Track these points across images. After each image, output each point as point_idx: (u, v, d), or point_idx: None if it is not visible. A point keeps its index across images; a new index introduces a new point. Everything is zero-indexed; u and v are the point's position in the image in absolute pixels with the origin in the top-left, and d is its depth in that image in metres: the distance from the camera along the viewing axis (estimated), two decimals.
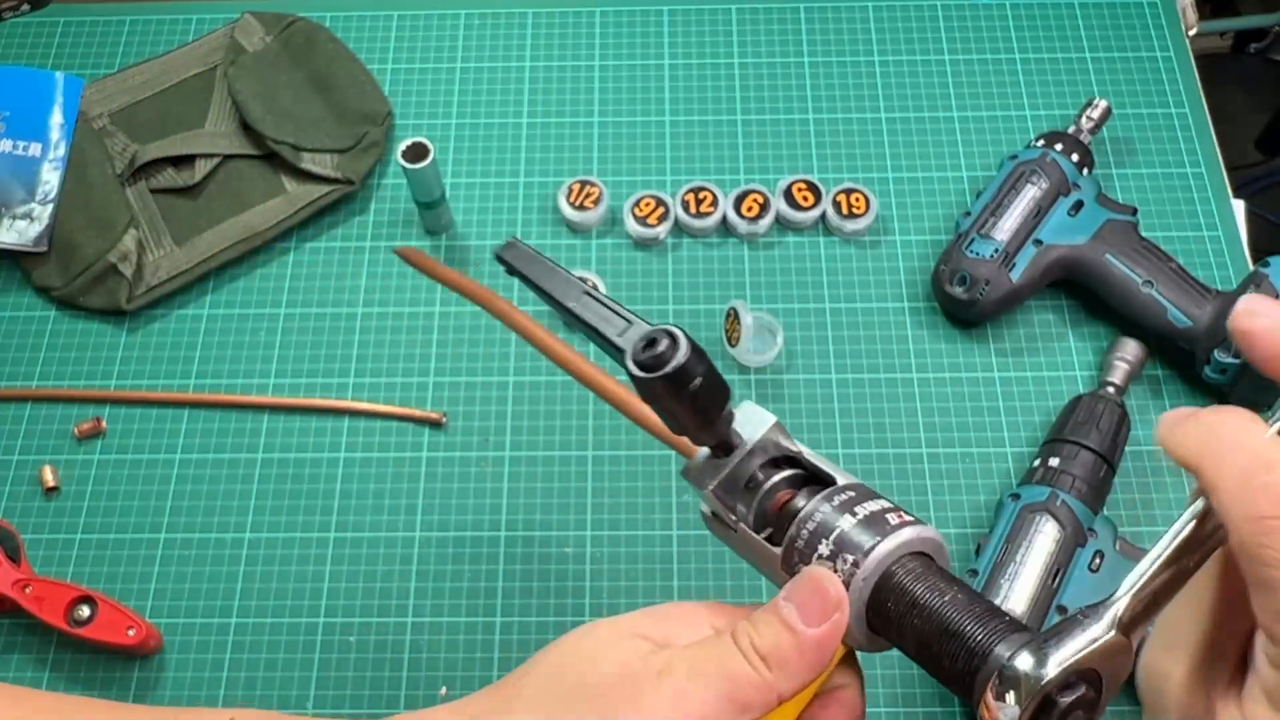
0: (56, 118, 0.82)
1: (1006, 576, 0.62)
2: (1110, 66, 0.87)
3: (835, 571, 0.33)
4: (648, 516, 0.70)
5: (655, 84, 0.87)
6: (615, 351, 0.36)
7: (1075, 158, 0.76)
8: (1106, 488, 0.67)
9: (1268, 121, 1.37)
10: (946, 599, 0.32)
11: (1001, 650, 0.30)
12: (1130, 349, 0.72)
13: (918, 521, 0.34)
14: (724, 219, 0.80)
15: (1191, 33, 0.89)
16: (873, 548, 0.33)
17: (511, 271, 0.42)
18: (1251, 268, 0.75)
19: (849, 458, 0.72)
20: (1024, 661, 0.29)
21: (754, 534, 0.36)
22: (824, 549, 0.34)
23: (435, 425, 0.74)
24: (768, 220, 0.79)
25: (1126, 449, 0.70)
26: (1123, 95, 0.85)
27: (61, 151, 0.81)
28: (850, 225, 0.79)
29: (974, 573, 0.64)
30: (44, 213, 0.79)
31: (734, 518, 0.37)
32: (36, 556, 0.70)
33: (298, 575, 0.69)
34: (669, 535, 0.70)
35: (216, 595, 0.69)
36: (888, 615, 0.33)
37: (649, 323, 0.36)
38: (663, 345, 0.34)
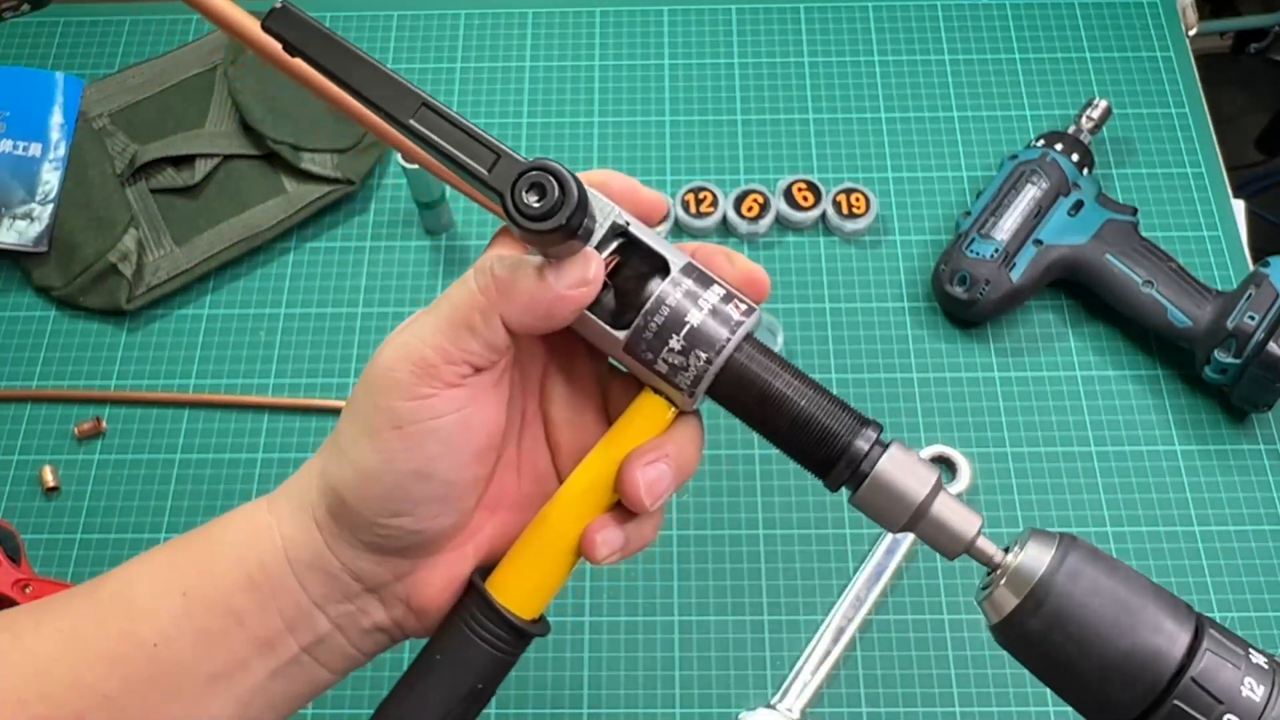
0: (56, 118, 0.82)
1: None
2: (1110, 66, 0.87)
3: (688, 367, 0.36)
4: None
5: (655, 84, 0.87)
6: (487, 190, 0.34)
7: (1075, 158, 0.76)
8: None
9: (1268, 121, 1.37)
10: (793, 391, 0.36)
11: (860, 444, 0.36)
12: None
13: (751, 309, 0.36)
14: (724, 219, 0.80)
15: (1191, 33, 0.89)
16: (723, 346, 0.36)
17: (305, 59, 0.35)
18: (1251, 268, 0.75)
19: None
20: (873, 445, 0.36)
21: (592, 317, 0.36)
22: (675, 344, 0.36)
23: None
24: (768, 220, 0.79)
25: (1125, 448, 0.71)
26: (1123, 95, 0.85)
27: (61, 151, 0.81)
28: (850, 225, 0.79)
29: None
30: (44, 213, 0.79)
31: None
32: (36, 556, 0.70)
33: None
34: (669, 534, 0.70)
35: None
36: (732, 397, 0.37)
37: (514, 153, 0.34)
38: (553, 193, 0.32)
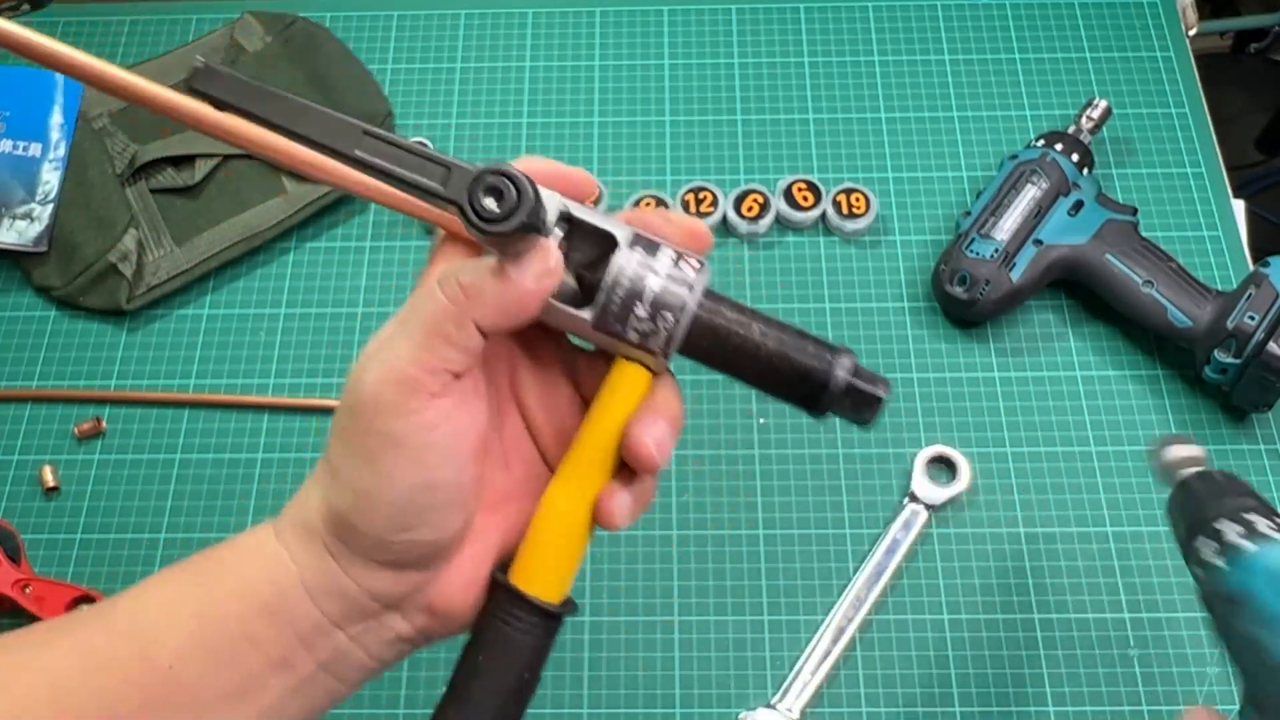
0: (56, 118, 0.82)
1: None
2: (1110, 66, 0.87)
3: (658, 331, 0.37)
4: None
5: (655, 84, 0.87)
6: (444, 203, 0.35)
7: (1075, 158, 0.76)
8: None
9: (1268, 121, 1.37)
10: (760, 335, 0.39)
11: (840, 373, 0.40)
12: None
13: (702, 263, 0.39)
14: (724, 219, 0.80)
15: (1191, 33, 0.89)
16: (685, 303, 0.37)
17: (236, 112, 0.35)
18: (1251, 268, 0.75)
19: (849, 457, 0.72)
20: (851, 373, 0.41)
21: (561, 306, 0.38)
22: (641, 311, 0.37)
23: None
24: (768, 220, 0.79)
25: (1125, 448, 0.71)
26: (1123, 95, 0.85)
27: (61, 151, 0.81)
28: (850, 225, 0.79)
29: None
30: (44, 213, 0.79)
31: None
32: (36, 556, 0.70)
33: None
34: (669, 534, 0.70)
35: None
36: (704, 350, 0.39)
37: (462, 162, 0.34)
38: (510, 195, 0.33)
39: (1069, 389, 0.74)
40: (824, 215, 0.80)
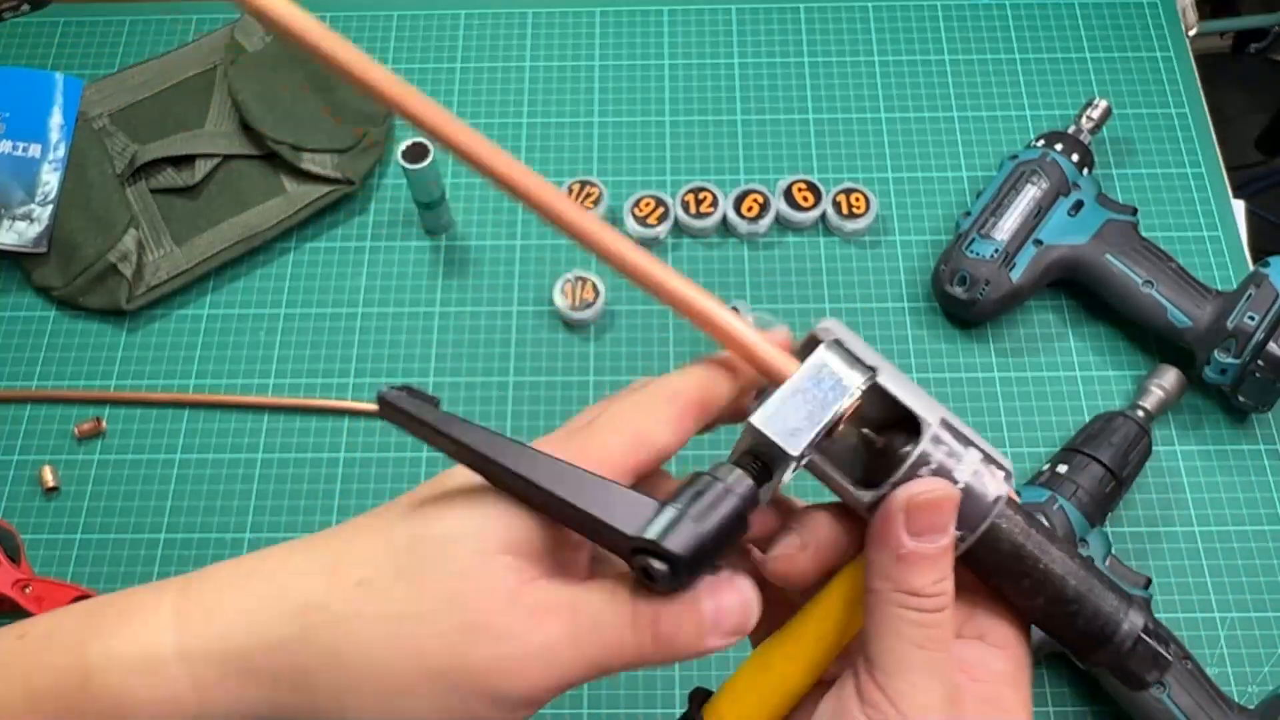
0: (56, 118, 0.82)
1: None
2: (1110, 66, 0.87)
3: None
4: None
5: (655, 84, 0.87)
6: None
7: (1075, 158, 0.76)
8: (1111, 504, 0.67)
9: (1268, 121, 1.37)
10: (1049, 565, 0.34)
11: (1131, 624, 0.34)
12: (1169, 378, 0.70)
13: (1009, 474, 0.34)
14: (724, 219, 0.80)
15: (1191, 33, 0.89)
16: (980, 518, 0.33)
17: (426, 435, 0.33)
18: (1251, 268, 0.75)
19: None
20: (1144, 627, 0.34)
21: (837, 477, 0.34)
22: None
23: None
24: (768, 220, 0.79)
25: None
26: (1123, 95, 0.85)
27: (61, 152, 0.81)
28: (850, 225, 0.79)
29: None
30: (44, 213, 0.79)
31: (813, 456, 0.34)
32: (36, 556, 0.70)
33: None
34: None
35: None
36: (981, 564, 0.34)
37: (617, 525, 0.31)
38: (662, 576, 0.30)
39: (1069, 389, 0.74)
40: (824, 215, 0.80)
